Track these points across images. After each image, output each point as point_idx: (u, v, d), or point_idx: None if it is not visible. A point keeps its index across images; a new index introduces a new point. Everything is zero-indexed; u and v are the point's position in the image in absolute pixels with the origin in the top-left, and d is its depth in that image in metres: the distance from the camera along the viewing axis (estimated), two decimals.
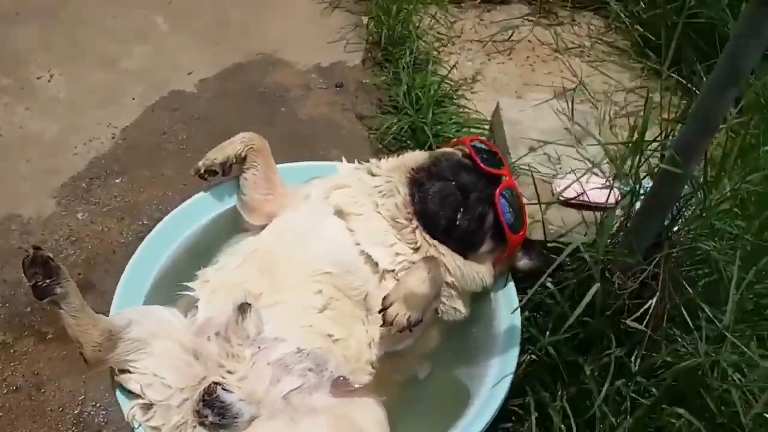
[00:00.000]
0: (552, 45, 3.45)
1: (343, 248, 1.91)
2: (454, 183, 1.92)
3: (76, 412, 2.08)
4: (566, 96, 2.94)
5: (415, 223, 1.91)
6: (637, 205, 1.90)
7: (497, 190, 1.95)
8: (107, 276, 2.38)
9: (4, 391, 2.11)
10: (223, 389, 1.67)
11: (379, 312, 1.76)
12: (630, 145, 2.01)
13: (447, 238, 1.92)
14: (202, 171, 2.16)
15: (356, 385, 1.82)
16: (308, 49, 3.34)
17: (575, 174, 2.15)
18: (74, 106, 3.00)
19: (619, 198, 1.98)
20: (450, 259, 1.90)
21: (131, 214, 2.59)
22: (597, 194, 2.17)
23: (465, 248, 1.94)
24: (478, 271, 1.96)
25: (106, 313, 1.89)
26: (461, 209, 1.92)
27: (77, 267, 2.42)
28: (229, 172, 2.18)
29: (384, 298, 1.76)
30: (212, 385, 1.68)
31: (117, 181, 2.70)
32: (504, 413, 2.01)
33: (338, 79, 3.18)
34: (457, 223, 1.91)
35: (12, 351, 2.20)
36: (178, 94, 3.08)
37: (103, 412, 2.08)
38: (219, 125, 2.88)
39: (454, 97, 3.04)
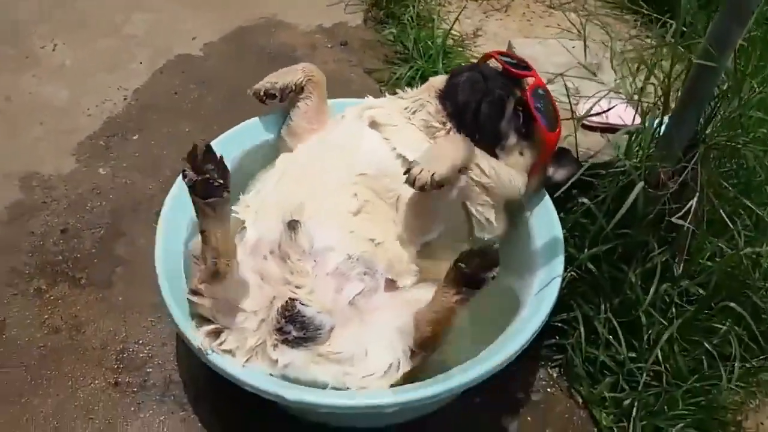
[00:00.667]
0: (546, 2, 3.51)
1: (379, 153, 1.94)
2: (480, 73, 1.99)
3: (118, 348, 2.06)
4: (576, 34, 3.00)
5: (449, 125, 1.96)
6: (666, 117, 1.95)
7: (528, 88, 2.01)
8: (136, 223, 2.36)
9: (45, 332, 2.08)
10: (302, 304, 1.68)
11: (405, 173, 1.79)
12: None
13: (479, 135, 1.95)
14: (261, 93, 2.16)
15: (407, 284, 1.85)
16: (309, 12, 3.35)
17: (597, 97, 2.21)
18: (82, 71, 2.97)
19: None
20: (484, 160, 1.94)
21: (153, 168, 2.57)
22: (622, 115, 2.23)
23: (493, 141, 1.99)
24: (511, 175, 2.00)
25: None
26: (485, 96, 1.97)
27: (104, 217, 2.40)
28: (286, 98, 2.18)
29: (410, 162, 1.81)
30: (289, 301, 1.68)
31: (135, 138, 2.69)
32: (548, 330, 2.04)
33: (342, 38, 3.20)
34: (482, 109, 1.95)
35: (48, 296, 2.17)
36: (185, 57, 3.07)
37: (147, 348, 2.06)
38: (231, 84, 2.88)
39: (460, 48, 3.08)
